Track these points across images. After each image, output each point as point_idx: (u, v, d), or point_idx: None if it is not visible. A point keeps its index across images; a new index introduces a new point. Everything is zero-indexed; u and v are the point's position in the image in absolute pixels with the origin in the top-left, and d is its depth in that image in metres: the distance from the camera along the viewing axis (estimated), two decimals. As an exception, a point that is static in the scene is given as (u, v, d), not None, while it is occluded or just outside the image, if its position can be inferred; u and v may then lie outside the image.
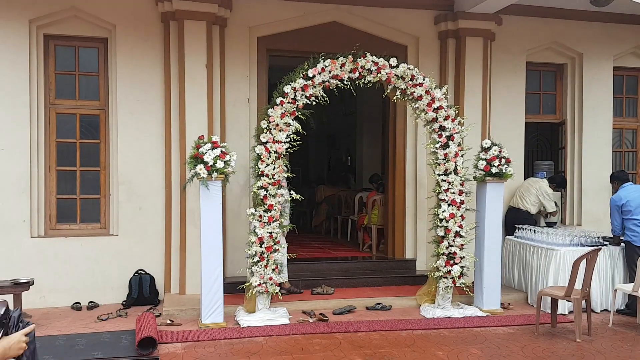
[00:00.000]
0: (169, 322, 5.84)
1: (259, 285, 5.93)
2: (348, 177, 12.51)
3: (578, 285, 5.65)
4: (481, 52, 7.62)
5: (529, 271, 6.95)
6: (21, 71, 6.53)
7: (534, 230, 7.03)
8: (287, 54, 7.60)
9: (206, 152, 5.66)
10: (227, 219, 6.87)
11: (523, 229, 7.25)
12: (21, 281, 5.79)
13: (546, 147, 9.07)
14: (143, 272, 6.74)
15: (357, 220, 9.33)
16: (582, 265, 5.53)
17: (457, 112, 6.46)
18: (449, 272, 6.36)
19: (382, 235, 8.37)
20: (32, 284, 5.96)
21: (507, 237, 7.58)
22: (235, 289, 6.35)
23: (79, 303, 6.58)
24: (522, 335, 5.65)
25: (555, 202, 7.93)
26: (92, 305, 6.59)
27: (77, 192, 6.98)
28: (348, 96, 12.04)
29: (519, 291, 7.17)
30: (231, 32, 7.07)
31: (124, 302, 6.64)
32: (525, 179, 8.14)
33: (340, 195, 10.82)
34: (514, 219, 7.64)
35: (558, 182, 7.95)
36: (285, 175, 6.04)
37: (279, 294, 6.05)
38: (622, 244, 6.58)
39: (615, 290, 6.10)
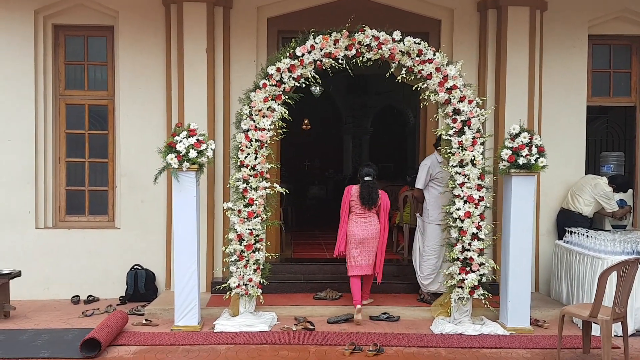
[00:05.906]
0: (144, 321, 5.48)
1: (238, 286, 5.40)
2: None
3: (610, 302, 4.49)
4: (527, 24, 6.46)
5: (575, 282, 5.79)
6: (27, 63, 6.53)
7: (583, 235, 5.83)
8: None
9: (180, 141, 5.23)
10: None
11: (572, 232, 6.06)
12: (2, 272, 5.72)
13: (618, 136, 7.59)
14: (139, 268, 6.46)
15: (391, 218, 8.42)
16: (613, 278, 4.37)
17: (473, 91, 5.47)
18: (463, 280, 5.41)
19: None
20: (19, 275, 5.89)
21: (557, 242, 6.40)
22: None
23: (78, 296, 6.45)
24: (538, 362, 4.61)
25: (622, 200, 6.58)
26: (92, 299, 6.44)
27: (85, 183, 6.88)
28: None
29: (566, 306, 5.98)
30: (237, 14, 6.59)
31: (121, 298, 6.42)
32: (587, 173, 6.87)
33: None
34: (564, 221, 6.42)
35: (619, 182, 6.43)
36: (269, 167, 5.44)
37: (261, 296, 5.47)
38: None
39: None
